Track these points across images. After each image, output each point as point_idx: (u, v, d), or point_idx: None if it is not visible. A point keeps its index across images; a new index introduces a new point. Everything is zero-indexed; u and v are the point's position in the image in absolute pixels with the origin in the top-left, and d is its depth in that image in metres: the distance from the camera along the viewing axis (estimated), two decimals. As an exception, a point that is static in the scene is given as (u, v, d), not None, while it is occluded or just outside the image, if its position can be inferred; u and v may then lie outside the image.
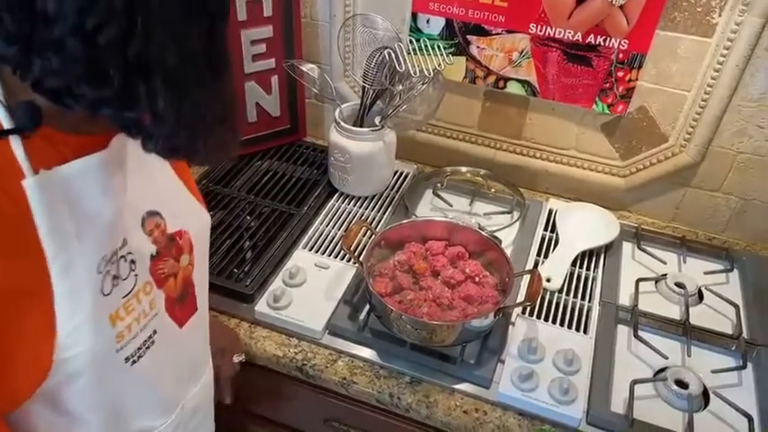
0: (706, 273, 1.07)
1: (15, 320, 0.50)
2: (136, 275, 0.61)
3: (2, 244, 0.48)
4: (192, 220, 0.72)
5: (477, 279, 0.94)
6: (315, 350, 0.91)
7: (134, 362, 0.62)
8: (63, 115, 0.47)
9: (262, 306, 0.95)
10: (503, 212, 1.16)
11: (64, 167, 0.51)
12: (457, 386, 0.87)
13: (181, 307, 0.70)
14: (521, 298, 0.97)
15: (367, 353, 0.90)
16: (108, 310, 0.58)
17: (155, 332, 0.65)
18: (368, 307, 0.94)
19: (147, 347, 0.64)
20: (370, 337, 0.91)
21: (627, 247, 1.11)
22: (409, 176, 1.24)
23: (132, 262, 0.61)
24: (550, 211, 1.16)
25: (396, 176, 1.23)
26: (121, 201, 0.59)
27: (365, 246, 0.99)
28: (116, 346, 0.59)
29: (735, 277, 1.07)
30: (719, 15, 0.96)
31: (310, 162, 1.27)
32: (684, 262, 1.09)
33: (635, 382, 0.86)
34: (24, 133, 0.47)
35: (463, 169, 1.22)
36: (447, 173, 1.21)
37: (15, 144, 0.48)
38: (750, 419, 0.82)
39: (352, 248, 0.94)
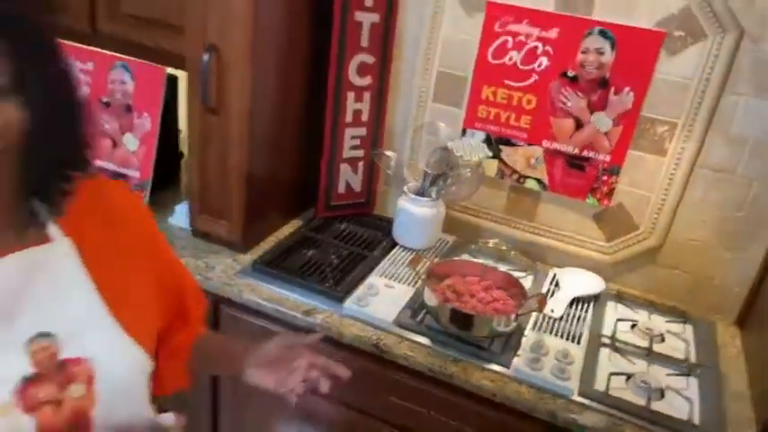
0: (667, 321, 1.45)
1: None
2: None
3: None
4: (109, 352, 0.71)
5: (501, 303, 1.34)
6: (386, 335, 1.28)
7: None
8: None
9: (349, 305, 1.34)
10: (520, 271, 1.57)
11: None
12: (485, 365, 1.23)
13: None
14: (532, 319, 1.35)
15: (423, 340, 1.28)
16: None
17: None
18: (424, 310, 1.32)
19: None
20: (425, 330, 1.29)
21: (610, 303, 1.51)
22: (450, 243, 1.67)
23: None
24: (554, 274, 1.57)
25: (439, 242, 1.66)
26: None
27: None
28: None
29: (689, 329, 1.45)
30: (670, 142, 1.45)
31: (378, 227, 1.70)
32: (651, 315, 1.48)
33: (612, 373, 1.22)
34: None
35: (490, 243, 1.65)
36: (479, 242, 1.65)
37: None
38: (691, 402, 1.17)
39: (416, 269, 1.35)
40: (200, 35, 1.32)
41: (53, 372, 0.67)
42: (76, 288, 0.72)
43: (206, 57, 1.31)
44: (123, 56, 1.63)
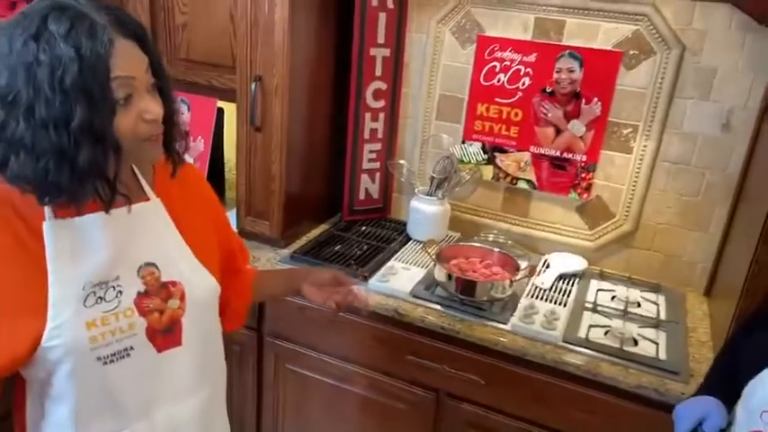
0: (643, 292, 1.71)
1: (19, 295, 0.82)
2: (119, 302, 0.87)
3: (21, 263, 0.81)
4: (194, 278, 0.97)
5: (499, 275, 1.61)
6: (404, 303, 1.56)
7: (105, 363, 0.86)
8: None
9: (373, 282, 1.62)
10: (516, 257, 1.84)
11: (69, 219, 0.83)
12: (487, 323, 1.49)
13: (163, 337, 0.92)
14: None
15: (434, 306, 1.55)
16: (85, 318, 0.84)
17: (131, 348, 0.88)
18: (435, 284, 1.60)
19: (121, 357, 0.87)
20: (436, 298, 1.56)
21: (593, 279, 1.77)
22: (455, 238, 1.95)
23: (120, 292, 0.87)
24: (545, 258, 1.85)
25: (446, 237, 1.94)
26: (118, 249, 0.87)
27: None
28: (89, 345, 0.84)
29: (662, 298, 1.71)
30: (634, 142, 1.74)
31: (394, 228, 1.99)
32: (629, 289, 1.74)
33: (591, 325, 1.48)
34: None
35: (490, 236, 1.93)
36: (480, 236, 1.93)
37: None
38: (658, 346, 1.43)
39: (429, 251, 1.64)
40: (248, 69, 1.66)
41: (157, 289, 0.92)
42: (167, 233, 0.96)
43: (253, 86, 1.65)
44: (180, 92, 1.98)
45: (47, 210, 0.82)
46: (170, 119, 0.90)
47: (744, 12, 1.33)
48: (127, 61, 0.80)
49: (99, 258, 0.86)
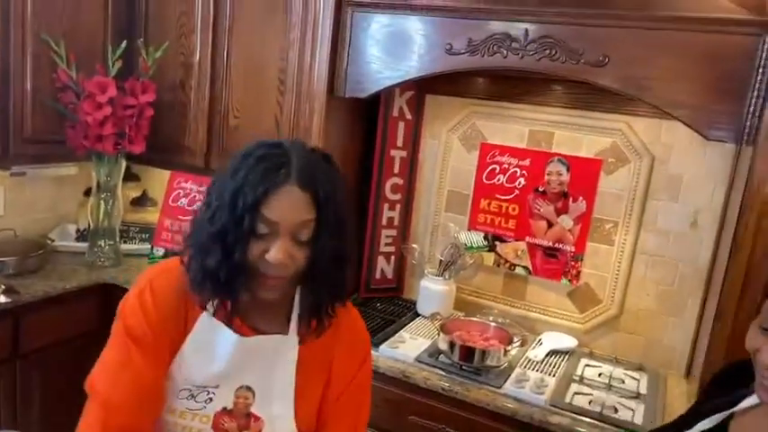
0: (626, 370, 1.90)
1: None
2: (204, 407, 0.95)
3: (174, 332, 0.96)
4: (277, 424, 0.98)
5: (495, 345, 1.83)
6: (410, 367, 1.77)
7: None
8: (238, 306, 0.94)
9: (383, 348, 1.84)
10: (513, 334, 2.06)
11: (219, 326, 0.94)
12: (483, 387, 1.69)
13: None
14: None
15: (438, 371, 1.76)
16: (171, 404, 0.95)
17: None
18: (439, 352, 1.82)
19: None
20: (439, 363, 1.78)
21: (583, 357, 1.97)
22: (460, 316, 2.18)
23: (210, 399, 0.95)
24: (539, 337, 2.05)
25: (451, 315, 2.17)
26: (234, 365, 0.94)
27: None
28: (162, 423, 0.96)
29: (644, 376, 1.89)
30: (615, 236, 2.00)
31: (405, 306, 2.24)
32: (615, 367, 1.92)
33: (576, 393, 1.68)
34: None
35: (491, 316, 2.16)
36: (482, 313, 2.16)
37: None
38: (635, 412, 1.61)
39: (434, 322, 1.87)
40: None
41: (240, 415, 0.97)
42: (283, 371, 0.99)
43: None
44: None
45: (209, 307, 0.96)
46: (315, 275, 0.93)
47: (693, 130, 1.63)
48: (282, 206, 0.88)
49: (213, 369, 0.96)
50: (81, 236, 2.44)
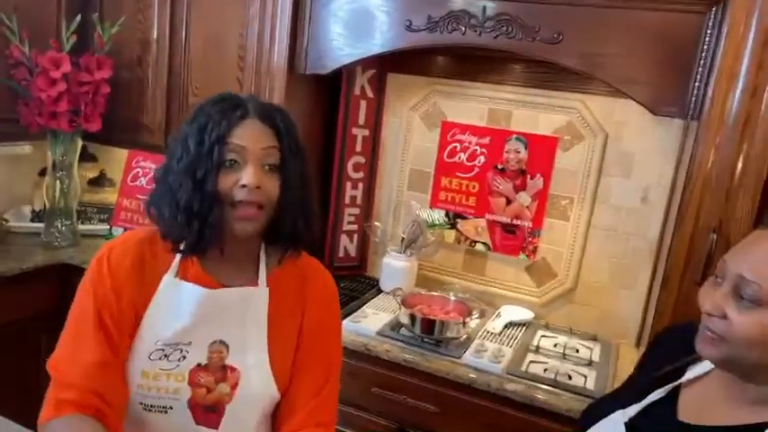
0: (581, 340, 1.97)
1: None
2: (178, 365, 0.95)
3: (137, 289, 0.97)
4: (253, 374, 0.99)
5: (454, 317, 1.87)
6: (372, 341, 1.80)
7: (145, 409, 0.97)
8: (204, 259, 0.97)
9: (346, 322, 1.87)
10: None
11: (182, 283, 0.96)
12: (443, 357, 1.74)
13: (204, 412, 0.98)
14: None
15: (399, 343, 1.79)
16: (143, 367, 0.95)
17: (170, 407, 0.96)
18: (400, 326, 1.85)
19: (159, 411, 0.96)
20: (400, 336, 1.81)
21: (539, 330, 2.03)
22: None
23: (183, 357, 0.95)
24: (498, 311, 2.11)
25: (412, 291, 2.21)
26: (204, 320, 0.95)
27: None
28: (137, 390, 0.95)
29: (597, 346, 1.96)
30: (571, 211, 2.06)
31: (368, 283, 2.26)
32: (570, 338, 1.99)
33: (531, 361, 1.73)
34: (184, 254, 0.97)
35: (451, 291, 2.20)
36: (443, 288, 2.20)
37: (178, 258, 0.98)
38: (587, 378, 1.67)
39: (395, 296, 1.90)
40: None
41: (216, 369, 0.98)
42: (255, 323, 1.00)
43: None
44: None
45: (173, 266, 0.98)
46: (286, 205, 0.97)
47: (641, 104, 1.69)
48: (246, 134, 0.93)
49: (181, 323, 0.96)
50: (36, 216, 2.39)
